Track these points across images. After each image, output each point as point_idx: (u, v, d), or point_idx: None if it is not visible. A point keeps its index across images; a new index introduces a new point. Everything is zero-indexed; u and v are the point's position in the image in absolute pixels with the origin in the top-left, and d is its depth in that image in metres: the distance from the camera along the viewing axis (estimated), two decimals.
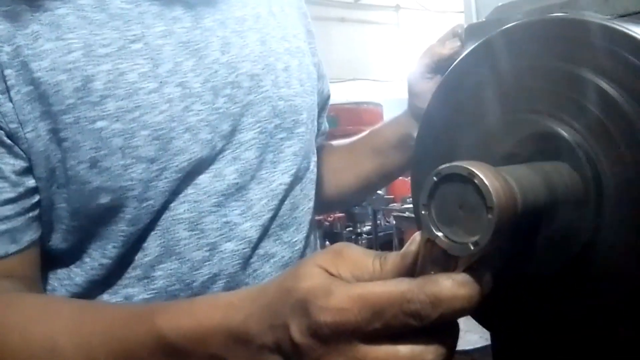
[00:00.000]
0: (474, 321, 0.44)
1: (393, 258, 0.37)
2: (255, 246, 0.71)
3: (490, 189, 0.32)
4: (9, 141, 0.60)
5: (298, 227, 0.77)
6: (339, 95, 7.24)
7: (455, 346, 0.36)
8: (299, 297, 0.36)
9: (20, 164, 0.61)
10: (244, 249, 0.70)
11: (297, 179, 0.77)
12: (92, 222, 0.65)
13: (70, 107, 0.60)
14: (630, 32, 0.35)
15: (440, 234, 0.34)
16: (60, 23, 0.61)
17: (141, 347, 0.45)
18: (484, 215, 0.32)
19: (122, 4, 0.65)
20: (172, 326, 0.44)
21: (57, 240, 0.66)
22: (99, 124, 0.61)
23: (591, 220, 0.37)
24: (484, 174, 0.32)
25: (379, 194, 4.90)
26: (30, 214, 0.62)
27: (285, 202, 0.75)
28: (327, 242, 4.70)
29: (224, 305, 0.42)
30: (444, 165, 0.34)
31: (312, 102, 0.80)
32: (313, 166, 0.81)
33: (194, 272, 0.67)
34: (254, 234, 0.70)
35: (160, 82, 0.64)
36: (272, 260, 0.73)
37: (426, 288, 0.33)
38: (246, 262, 0.70)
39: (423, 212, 0.35)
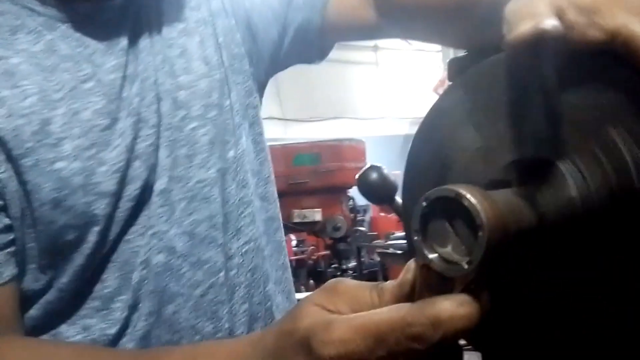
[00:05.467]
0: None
1: (390, 288, 0.37)
2: (185, 254, 0.68)
3: (479, 208, 0.32)
4: None
5: (237, 233, 0.72)
6: (321, 133, 7.30)
7: None
8: (300, 336, 0.36)
9: None
10: (173, 259, 0.67)
11: (222, 174, 0.72)
12: (58, 258, 0.64)
13: (29, 150, 0.61)
14: None
15: (434, 257, 0.34)
16: (14, 71, 0.63)
17: None
18: (474, 235, 0.32)
19: (71, 46, 0.66)
20: None
21: (29, 282, 0.65)
22: (58, 164, 0.62)
23: (583, 243, 0.37)
24: (471, 194, 0.33)
25: (361, 231, 4.88)
26: (9, 249, 0.62)
27: (213, 203, 0.71)
28: (312, 281, 4.65)
29: (227, 353, 0.42)
30: (432, 190, 0.35)
31: (226, 74, 0.75)
32: (244, 157, 0.74)
33: (139, 293, 0.66)
34: (178, 241, 0.68)
35: (114, 116, 0.66)
36: (205, 267, 0.69)
37: (426, 310, 0.33)
38: (176, 272, 0.68)
39: (415, 237, 0.35)
